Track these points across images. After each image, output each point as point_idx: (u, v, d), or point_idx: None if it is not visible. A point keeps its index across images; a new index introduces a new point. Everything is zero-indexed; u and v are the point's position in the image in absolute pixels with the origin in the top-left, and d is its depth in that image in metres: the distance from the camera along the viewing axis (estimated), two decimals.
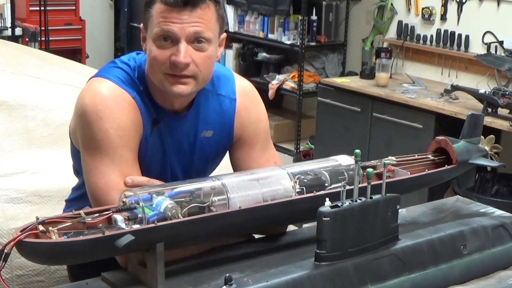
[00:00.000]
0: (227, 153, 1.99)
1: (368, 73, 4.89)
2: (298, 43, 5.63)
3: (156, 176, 1.79)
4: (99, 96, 1.75)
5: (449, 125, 3.97)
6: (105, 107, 1.73)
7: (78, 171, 1.93)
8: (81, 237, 1.44)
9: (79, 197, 1.92)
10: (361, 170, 1.64)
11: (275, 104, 6.21)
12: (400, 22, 5.15)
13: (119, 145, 1.73)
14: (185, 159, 1.89)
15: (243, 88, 1.95)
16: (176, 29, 1.70)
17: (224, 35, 1.84)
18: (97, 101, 1.74)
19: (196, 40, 1.73)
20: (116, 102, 1.75)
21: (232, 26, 6.30)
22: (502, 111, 3.97)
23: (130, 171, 1.74)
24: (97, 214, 1.54)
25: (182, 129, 1.86)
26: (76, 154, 1.88)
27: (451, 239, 1.75)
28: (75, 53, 6.14)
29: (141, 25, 1.80)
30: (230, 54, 6.33)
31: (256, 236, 1.92)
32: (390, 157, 1.97)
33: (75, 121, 1.82)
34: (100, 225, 1.48)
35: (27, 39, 5.80)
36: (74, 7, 6.28)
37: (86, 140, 1.76)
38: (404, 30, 5.11)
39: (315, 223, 1.53)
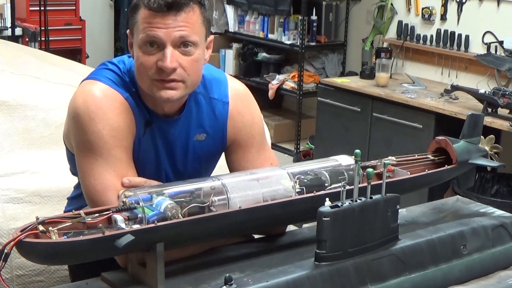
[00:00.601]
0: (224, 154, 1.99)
1: (368, 73, 4.89)
2: (298, 43, 5.63)
3: (151, 177, 1.78)
4: (91, 97, 1.74)
5: (449, 125, 3.97)
6: (97, 108, 1.73)
7: (74, 173, 1.93)
8: (81, 237, 1.45)
9: (81, 195, 1.91)
10: (361, 170, 1.65)
11: (275, 104, 6.21)
12: (400, 22, 5.15)
13: (112, 145, 1.73)
14: (178, 162, 1.89)
15: (236, 91, 1.94)
16: (161, 34, 1.69)
17: (212, 37, 1.83)
18: (89, 102, 1.74)
19: (182, 44, 1.72)
20: (108, 102, 1.75)
21: (232, 26, 6.31)
22: (502, 111, 3.97)
23: (126, 171, 1.74)
24: (97, 214, 1.54)
25: (174, 132, 1.85)
26: (71, 158, 1.88)
27: (451, 239, 1.75)
28: (75, 53, 6.14)
29: (128, 31, 1.80)
30: (230, 54, 6.34)
31: (256, 236, 1.92)
32: (390, 157, 1.97)
33: (68, 124, 1.82)
34: (100, 225, 1.48)
35: (27, 39, 5.80)
36: (74, 7, 6.28)
37: (79, 142, 1.75)
38: (404, 30, 5.11)
39: (315, 223, 1.53)
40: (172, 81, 1.73)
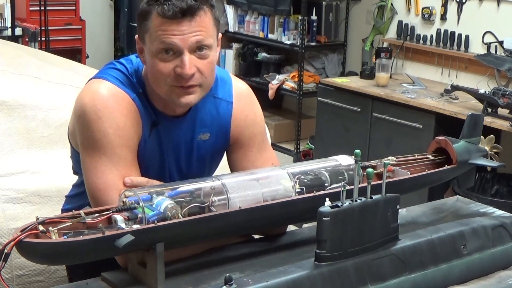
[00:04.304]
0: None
1: (368, 73, 4.89)
2: (298, 43, 5.63)
3: (154, 178, 1.78)
4: (98, 96, 1.75)
5: (449, 125, 3.97)
6: (104, 107, 1.73)
7: (77, 171, 1.93)
8: (81, 237, 1.45)
9: (79, 194, 1.92)
10: (361, 170, 1.65)
11: (275, 104, 6.21)
12: (400, 22, 5.15)
13: (117, 145, 1.73)
14: (183, 162, 1.89)
15: (240, 91, 1.94)
16: (177, 41, 1.69)
17: (220, 35, 1.84)
18: (96, 101, 1.74)
19: (198, 48, 1.72)
20: (116, 102, 1.75)
21: (232, 26, 6.30)
22: (502, 111, 3.97)
23: (129, 171, 1.74)
24: (97, 214, 1.54)
25: (180, 132, 1.85)
26: (75, 156, 1.88)
27: (451, 239, 1.75)
28: (75, 53, 6.14)
29: (136, 36, 1.78)
30: (230, 54, 6.34)
31: (256, 236, 1.92)
32: (390, 157, 1.97)
33: (74, 121, 1.82)
34: (100, 225, 1.48)
35: (27, 39, 5.80)
36: (74, 7, 6.28)
37: (85, 140, 1.76)
38: (404, 30, 5.11)
39: (315, 223, 1.53)
40: (190, 87, 1.73)
